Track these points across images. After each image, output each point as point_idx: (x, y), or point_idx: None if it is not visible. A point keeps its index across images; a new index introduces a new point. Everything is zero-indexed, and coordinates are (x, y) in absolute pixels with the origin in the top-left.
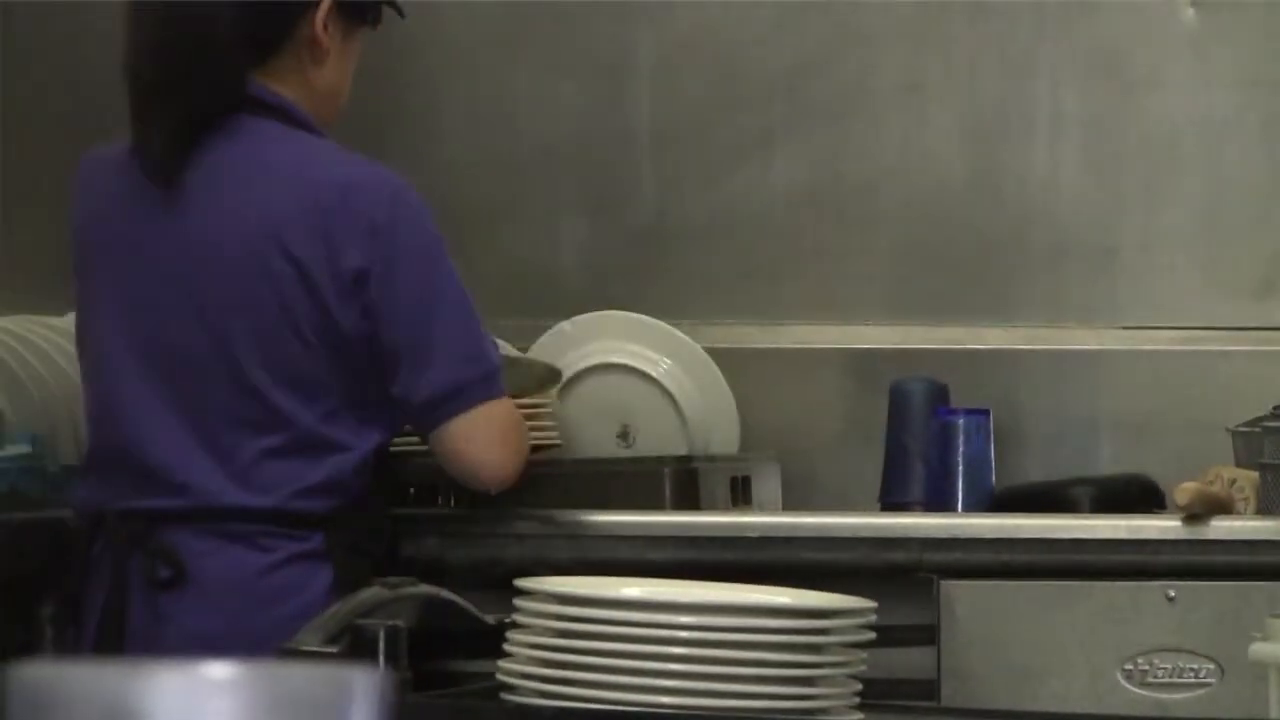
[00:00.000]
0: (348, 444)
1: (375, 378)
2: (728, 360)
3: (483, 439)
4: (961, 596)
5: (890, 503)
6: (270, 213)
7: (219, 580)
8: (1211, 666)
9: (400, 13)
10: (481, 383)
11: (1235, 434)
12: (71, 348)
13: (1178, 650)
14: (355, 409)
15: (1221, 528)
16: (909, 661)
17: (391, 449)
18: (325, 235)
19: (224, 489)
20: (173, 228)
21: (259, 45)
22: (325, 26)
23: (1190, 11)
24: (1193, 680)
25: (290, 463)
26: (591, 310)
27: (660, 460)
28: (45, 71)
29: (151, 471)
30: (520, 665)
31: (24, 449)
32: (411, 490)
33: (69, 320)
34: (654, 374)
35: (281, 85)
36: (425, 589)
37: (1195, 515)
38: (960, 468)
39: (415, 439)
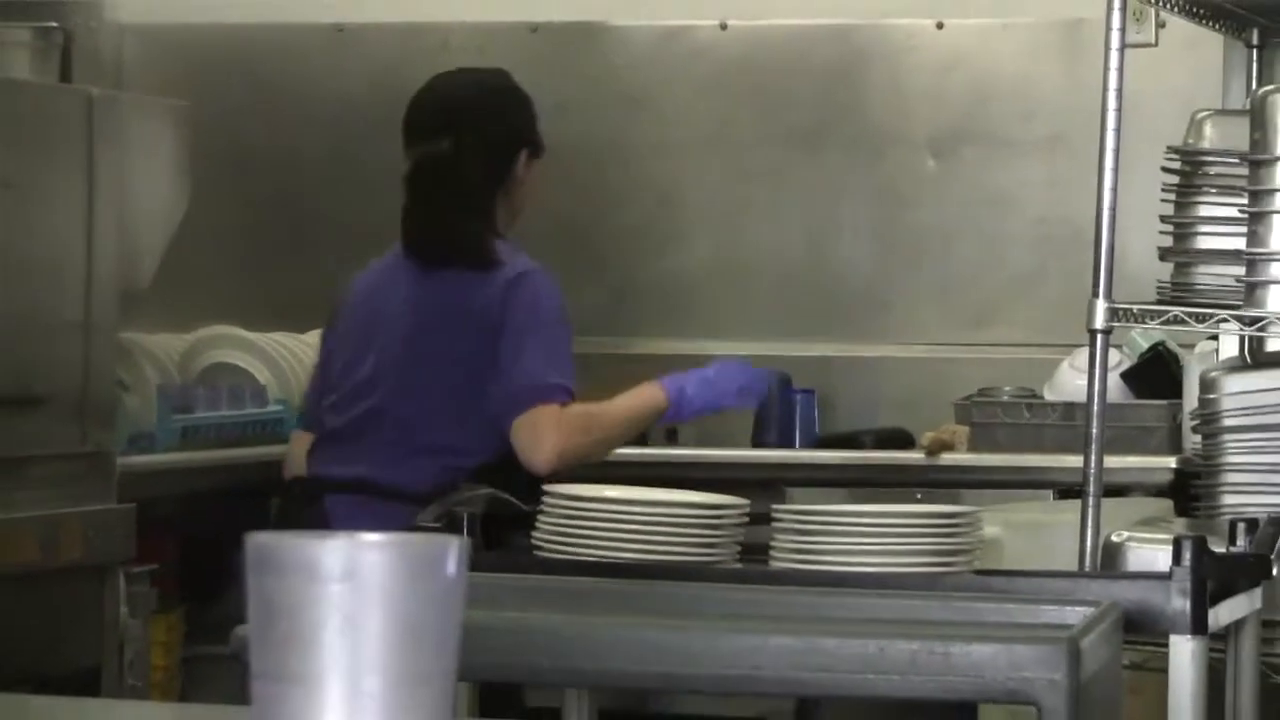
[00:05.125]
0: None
1: None
2: (664, 361)
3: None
4: (799, 497)
5: (758, 442)
6: None
7: None
8: None
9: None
10: None
11: (956, 405)
12: (304, 350)
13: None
14: None
15: (948, 459)
16: (767, 535)
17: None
18: None
19: None
20: None
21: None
22: (525, 167)
23: (931, 162)
24: None
25: None
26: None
27: None
28: (314, 148)
29: None
30: (545, 535)
31: (278, 408)
32: None
33: (310, 335)
34: None
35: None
36: (490, 491)
37: (932, 452)
38: (798, 423)
39: None
